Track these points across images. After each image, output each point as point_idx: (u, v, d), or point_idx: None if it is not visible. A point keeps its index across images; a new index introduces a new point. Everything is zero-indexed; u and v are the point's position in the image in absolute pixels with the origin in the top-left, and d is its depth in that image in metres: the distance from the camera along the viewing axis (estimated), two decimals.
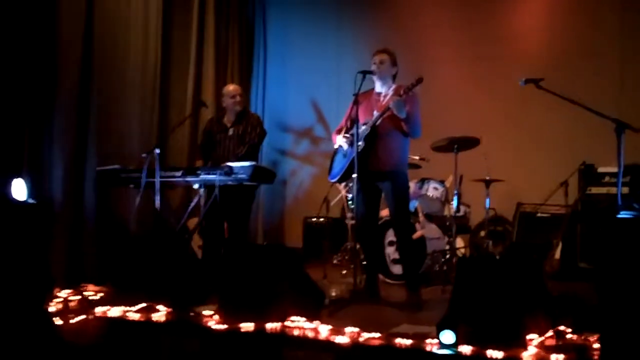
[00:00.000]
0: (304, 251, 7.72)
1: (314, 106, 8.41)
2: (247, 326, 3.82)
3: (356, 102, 4.56)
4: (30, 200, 4.72)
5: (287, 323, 3.86)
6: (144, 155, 5.06)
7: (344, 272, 6.33)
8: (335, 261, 6.81)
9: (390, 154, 4.70)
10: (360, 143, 4.57)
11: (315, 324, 3.84)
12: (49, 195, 5.25)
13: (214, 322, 3.92)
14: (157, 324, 4.03)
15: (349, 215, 6.38)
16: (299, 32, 8.57)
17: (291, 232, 8.41)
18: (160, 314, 4.18)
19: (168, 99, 6.64)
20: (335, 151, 4.97)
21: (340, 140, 4.82)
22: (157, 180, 5.02)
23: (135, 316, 4.13)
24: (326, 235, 7.26)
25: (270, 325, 3.83)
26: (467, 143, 5.82)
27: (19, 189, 4.62)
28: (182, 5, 6.90)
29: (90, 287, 5.02)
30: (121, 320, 4.10)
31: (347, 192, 6.27)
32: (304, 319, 3.90)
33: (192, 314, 4.15)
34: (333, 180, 4.97)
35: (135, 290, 4.43)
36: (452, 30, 7.76)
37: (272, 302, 3.96)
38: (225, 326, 3.84)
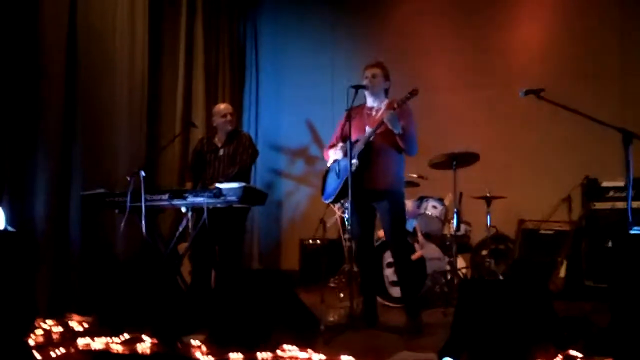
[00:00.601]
0: (301, 274, 7.51)
1: (309, 125, 8.24)
2: (236, 357, 3.59)
3: (349, 118, 4.36)
4: (10, 229, 4.54)
5: (279, 352, 3.64)
6: (128, 177, 4.84)
7: (342, 295, 6.10)
8: (332, 284, 6.58)
9: (386, 172, 4.51)
10: (354, 161, 4.37)
11: (309, 353, 3.60)
12: (31, 223, 4.99)
13: (201, 354, 3.68)
14: (142, 356, 3.80)
15: (345, 236, 6.15)
16: (293, 49, 8.44)
17: (288, 254, 8.21)
18: (146, 345, 3.94)
19: (157, 120, 6.43)
20: (327, 169, 4.78)
21: (334, 154, 4.62)
22: (143, 204, 4.80)
23: (119, 348, 3.89)
24: (323, 258, 7.03)
25: (261, 356, 3.60)
26: (466, 159, 5.64)
27: None
28: (169, 24, 6.72)
29: (75, 317, 4.79)
30: (104, 353, 3.86)
31: (343, 212, 6.05)
32: (297, 347, 3.68)
33: (179, 344, 3.91)
34: (327, 201, 4.77)
35: (121, 320, 4.24)
36: (451, 47, 7.66)
37: (264, 330, 3.74)
38: (212, 358, 3.60)
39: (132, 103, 6.04)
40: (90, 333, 4.22)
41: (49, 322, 4.54)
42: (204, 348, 3.78)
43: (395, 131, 4.31)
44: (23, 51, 4.94)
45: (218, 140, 5.45)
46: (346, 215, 5.85)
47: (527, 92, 4.08)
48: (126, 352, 3.85)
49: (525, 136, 7.08)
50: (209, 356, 3.64)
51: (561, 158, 6.85)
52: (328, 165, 4.75)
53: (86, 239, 5.39)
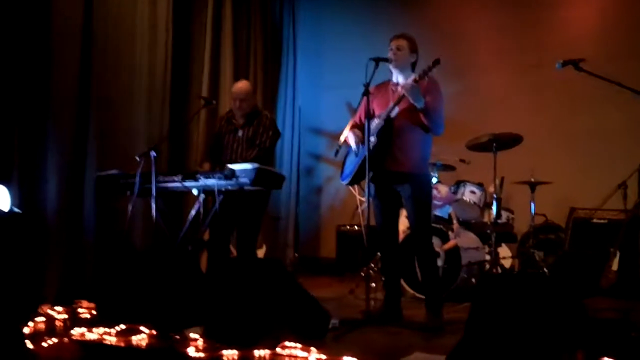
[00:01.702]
0: (337, 262, 7.20)
1: (350, 108, 7.81)
2: (231, 353, 3.27)
3: (366, 93, 3.96)
4: (15, 210, 4.35)
5: (277, 350, 3.30)
6: (137, 157, 4.59)
7: (373, 285, 5.69)
8: (364, 273, 6.19)
9: (409, 153, 4.09)
10: (372, 139, 3.97)
11: (310, 351, 3.25)
12: (42, 205, 4.81)
13: (195, 349, 3.38)
14: (135, 349, 3.53)
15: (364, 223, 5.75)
16: (332, 30, 8.03)
17: (326, 242, 7.88)
18: (141, 337, 3.67)
19: (182, 101, 6.14)
20: (348, 151, 4.40)
21: (347, 136, 4.23)
22: (153, 186, 4.55)
23: (113, 340, 3.64)
24: (360, 245, 6.66)
25: (258, 353, 3.27)
26: (507, 141, 5.18)
27: (2, 198, 4.25)
28: (195, 4, 6.43)
29: (85, 303, 4.59)
30: (98, 344, 3.62)
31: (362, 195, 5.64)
32: (299, 345, 3.33)
33: (177, 337, 3.63)
34: (344, 182, 4.38)
35: (122, 310, 3.99)
36: (496, 24, 7.12)
37: (264, 325, 3.41)
38: (204, 354, 3.29)
39: (153, 83, 5.79)
40: (91, 323, 4.01)
41: (58, 308, 4.37)
42: (200, 342, 3.49)
43: (417, 105, 3.88)
44: (34, 30, 4.74)
45: (237, 121, 5.12)
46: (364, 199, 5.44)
47: (565, 63, 3.61)
48: (120, 344, 3.59)
49: (575, 119, 6.48)
50: (203, 352, 3.33)
51: (616, 142, 6.26)
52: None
53: (101, 223, 5.19)
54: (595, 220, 5.72)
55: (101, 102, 5.25)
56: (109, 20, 5.37)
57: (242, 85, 5.09)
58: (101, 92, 5.24)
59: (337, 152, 4.27)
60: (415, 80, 3.86)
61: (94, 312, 4.35)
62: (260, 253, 6.26)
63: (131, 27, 5.62)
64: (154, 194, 4.57)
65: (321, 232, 8.10)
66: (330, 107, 7.93)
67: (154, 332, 3.72)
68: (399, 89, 4.14)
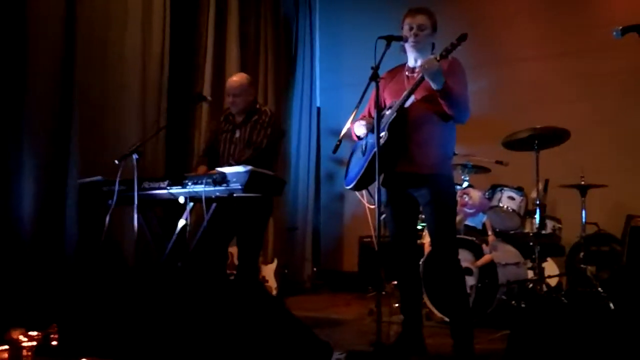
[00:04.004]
0: (360, 276, 6.48)
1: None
2: None
3: (375, 77, 3.24)
4: None
5: None
6: (117, 161, 3.96)
7: (396, 305, 4.97)
8: (387, 291, 5.46)
9: (427, 150, 3.36)
10: (382, 134, 3.25)
11: None
12: (17, 215, 4.23)
13: None
14: None
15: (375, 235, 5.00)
16: (353, 21, 7.33)
17: (350, 255, 7.14)
18: None
19: (180, 98, 5.50)
20: (353, 149, 3.69)
21: (358, 129, 3.53)
22: (135, 193, 3.92)
23: None
24: (385, 258, 5.93)
25: None
26: (551, 137, 4.44)
27: None
28: None
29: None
30: None
31: (372, 203, 4.89)
32: None
33: None
34: (348, 187, 3.65)
35: (90, 340, 3.39)
36: (531, 12, 6.32)
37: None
38: None
39: (147, 78, 5.17)
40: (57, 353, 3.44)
41: (32, 333, 3.74)
42: None
43: (436, 86, 3.15)
44: (5, 10, 4.16)
45: (236, 120, 4.45)
46: (372, 207, 4.67)
47: (625, 30, 2.84)
48: None
49: (632, 112, 5.61)
50: None
51: None
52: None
53: (84, 236, 4.57)
54: None
55: (86, 98, 4.66)
56: (95, 6, 4.79)
57: (236, 78, 4.44)
58: (86, 87, 4.66)
59: (336, 148, 3.55)
60: (436, 59, 3.12)
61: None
62: (270, 269, 5.57)
63: (122, 15, 5.02)
64: (137, 202, 3.94)
65: (344, 244, 7.40)
66: (352, 107, 7.20)
67: None
68: (416, 73, 3.41)
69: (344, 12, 7.44)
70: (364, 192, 3.70)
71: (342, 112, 7.35)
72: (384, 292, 5.36)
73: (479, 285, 4.35)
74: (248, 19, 6.29)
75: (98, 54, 4.82)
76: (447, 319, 4.32)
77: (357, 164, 3.53)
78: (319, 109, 7.42)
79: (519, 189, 4.73)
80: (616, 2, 5.91)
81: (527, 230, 4.78)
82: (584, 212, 4.60)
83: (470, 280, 4.31)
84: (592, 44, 5.76)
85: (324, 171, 7.47)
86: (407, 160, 3.35)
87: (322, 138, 7.41)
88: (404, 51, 3.53)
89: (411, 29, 3.46)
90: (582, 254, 5.05)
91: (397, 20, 3.71)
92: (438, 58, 3.13)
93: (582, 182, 4.58)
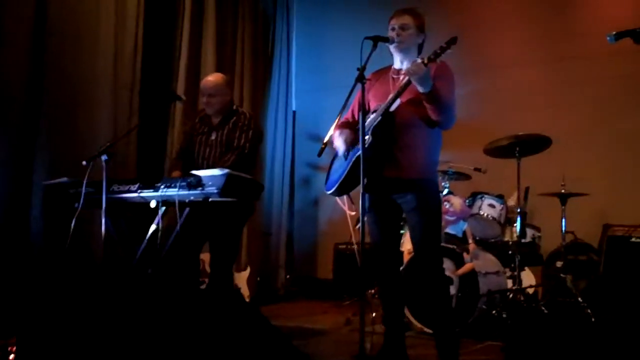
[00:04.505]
0: (335, 284, 6.37)
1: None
2: None
3: (361, 79, 3.11)
4: None
5: None
6: (84, 162, 3.77)
7: (373, 315, 4.85)
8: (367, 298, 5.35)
9: (413, 155, 3.25)
10: (367, 137, 3.13)
11: None
12: None
13: None
14: None
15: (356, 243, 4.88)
16: (332, 22, 7.22)
17: (324, 261, 6.98)
18: None
19: (154, 97, 5.31)
20: (335, 154, 3.56)
21: (338, 137, 3.40)
22: (104, 196, 3.73)
23: None
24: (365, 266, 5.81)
25: None
26: (533, 144, 4.37)
27: None
28: None
29: None
30: None
31: (353, 210, 4.76)
32: None
33: None
34: (329, 192, 3.51)
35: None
36: (519, 9, 6.26)
37: None
38: None
39: (120, 75, 4.99)
40: None
41: None
42: None
43: (422, 89, 3.04)
44: None
45: (212, 122, 4.30)
46: (353, 213, 4.55)
47: (619, 35, 2.75)
48: None
49: (613, 120, 5.57)
50: None
51: None
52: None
53: (51, 241, 4.36)
54: (634, 239, 4.87)
55: (55, 95, 4.48)
56: (67, 6, 4.61)
57: (212, 78, 4.29)
58: (55, 83, 4.49)
59: (321, 151, 3.42)
60: (424, 63, 3.01)
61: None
62: (243, 276, 5.41)
63: (95, 9, 4.84)
64: (105, 206, 3.75)
65: (318, 250, 7.26)
66: (330, 110, 7.02)
67: None
68: (402, 76, 3.31)
69: (322, 13, 7.31)
70: (344, 197, 3.57)
71: (319, 116, 7.26)
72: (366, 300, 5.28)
73: (460, 294, 4.25)
74: (226, 16, 6.11)
75: (69, 49, 4.63)
76: (427, 330, 4.23)
77: (339, 168, 3.40)
78: (294, 112, 7.27)
79: (500, 197, 4.66)
80: (600, 10, 5.87)
81: (506, 238, 4.70)
82: (564, 220, 4.54)
83: (451, 290, 4.21)
84: (575, 51, 5.74)
85: (299, 176, 7.32)
86: (392, 165, 3.23)
87: (297, 142, 7.27)
88: (391, 54, 3.43)
89: (393, 29, 3.36)
90: (560, 263, 5.01)
91: (378, 22, 3.61)
92: (426, 61, 3.02)
93: (563, 191, 4.51)
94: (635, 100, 5.47)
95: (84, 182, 3.77)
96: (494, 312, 4.19)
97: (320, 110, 7.27)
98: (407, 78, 3.12)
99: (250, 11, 6.52)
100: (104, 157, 3.74)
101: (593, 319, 4.04)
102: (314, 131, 7.26)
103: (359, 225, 4.72)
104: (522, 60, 6.08)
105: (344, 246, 6.32)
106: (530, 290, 4.86)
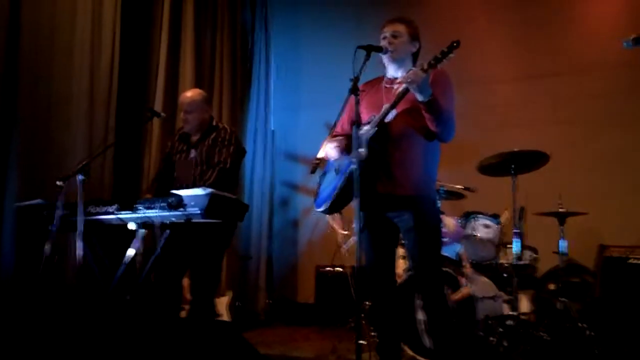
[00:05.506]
0: (316, 310, 6.12)
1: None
2: None
3: (355, 90, 2.90)
4: None
5: None
6: (59, 182, 3.50)
7: (362, 342, 4.59)
8: (351, 325, 5.11)
9: (410, 169, 3.05)
10: (361, 150, 2.91)
11: None
12: None
13: None
14: None
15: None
16: (310, 41, 7.05)
17: (305, 285, 6.75)
18: None
19: (131, 114, 5.07)
20: (325, 171, 3.35)
21: (330, 150, 3.19)
22: (80, 217, 3.47)
23: None
24: (343, 289, 5.59)
25: None
26: (529, 161, 4.20)
27: None
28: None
29: None
30: None
31: (345, 228, 4.54)
32: None
33: None
34: (320, 210, 3.26)
35: None
36: (503, 21, 6.13)
37: None
38: None
39: (95, 91, 4.74)
40: None
41: None
42: None
43: (421, 97, 2.84)
44: None
45: (192, 139, 4.07)
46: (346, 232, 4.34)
47: (637, 41, 2.55)
48: None
49: (609, 137, 5.41)
50: None
51: None
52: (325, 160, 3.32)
53: (23, 267, 4.06)
54: (632, 261, 4.70)
55: (28, 111, 4.24)
56: (42, 12, 4.36)
57: (189, 94, 4.10)
58: (28, 98, 4.25)
59: (314, 169, 3.19)
60: (423, 69, 2.81)
61: None
62: (223, 302, 5.13)
63: (70, 23, 4.61)
64: (81, 229, 3.48)
65: (298, 273, 6.99)
66: (308, 129, 6.83)
67: None
68: (396, 85, 3.11)
69: (301, 29, 7.14)
70: (336, 215, 3.35)
71: (298, 134, 7.05)
72: (352, 326, 5.04)
73: (455, 321, 4.01)
74: (204, 30, 5.89)
75: (43, 63, 4.39)
76: (419, 358, 3.98)
77: (330, 185, 3.17)
78: (273, 131, 7.05)
79: (494, 216, 4.44)
80: (591, 23, 5.79)
81: (502, 260, 4.49)
82: (561, 241, 4.35)
83: None
84: (570, 66, 5.63)
85: (278, 196, 7.09)
86: (387, 180, 3.03)
87: (275, 162, 7.05)
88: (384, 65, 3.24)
89: (385, 38, 3.18)
90: (553, 285, 4.83)
91: (360, 38, 3.39)
92: (425, 67, 2.83)
93: (560, 209, 4.33)
94: (629, 117, 5.35)
95: (58, 203, 3.51)
96: (492, 339, 3.96)
97: (297, 129, 7.08)
98: (403, 86, 2.93)
99: (229, 24, 6.31)
100: (79, 177, 3.52)
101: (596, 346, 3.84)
102: (292, 150, 7.07)
103: (346, 245, 4.54)
104: (508, 76, 5.95)
105: (327, 268, 6.07)
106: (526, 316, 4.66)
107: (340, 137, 3.24)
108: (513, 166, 4.14)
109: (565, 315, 4.34)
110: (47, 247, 3.55)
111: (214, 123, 4.08)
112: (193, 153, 3.99)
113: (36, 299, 3.87)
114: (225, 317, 5.07)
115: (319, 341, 5.14)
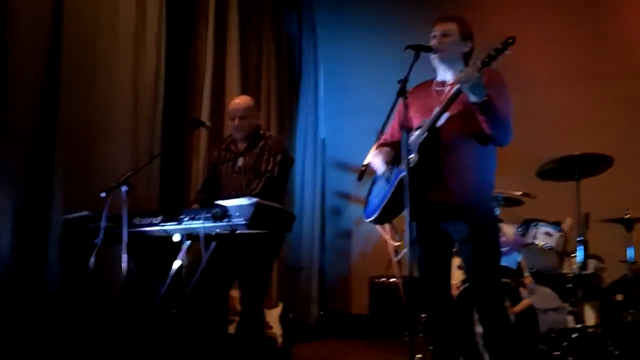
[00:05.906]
0: (371, 322, 5.95)
1: None
2: None
3: (403, 93, 2.75)
4: None
5: None
6: (103, 194, 3.46)
7: (419, 356, 4.40)
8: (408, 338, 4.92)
9: (464, 176, 2.86)
10: (412, 156, 2.76)
11: None
12: None
13: None
14: None
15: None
16: (358, 44, 6.88)
17: (359, 296, 6.57)
18: None
19: (176, 126, 5.02)
20: (374, 179, 3.20)
21: (376, 158, 3.05)
22: (125, 230, 3.42)
23: None
24: (398, 301, 5.42)
25: None
26: (592, 165, 3.97)
27: None
28: (193, 9, 5.35)
29: None
30: None
31: (397, 239, 4.37)
32: None
33: None
34: (369, 220, 3.12)
35: None
36: (556, 24, 5.85)
37: None
38: None
39: (140, 101, 4.68)
40: None
41: None
42: None
43: (475, 98, 2.67)
44: None
45: (238, 147, 3.98)
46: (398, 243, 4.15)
47: None
48: None
49: None
50: None
51: None
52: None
53: (69, 281, 4.01)
54: None
55: (71, 123, 4.14)
56: (83, 24, 4.31)
57: (240, 100, 4.05)
58: (71, 111, 4.14)
59: (361, 175, 3.06)
60: (478, 69, 2.64)
61: None
62: (275, 314, 5.02)
63: (112, 34, 4.54)
64: (126, 240, 3.44)
65: (351, 285, 6.84)
66: (359, 137, 6.60)
67: None
68: (447, 89, 2.95)
69: (349, 36, 6.99)
70: (387, 226, 3.19)
71: (347, 143, 6.91)
72: (407, 340, 4.85)
73: (516, 334, 3.80)
74: (249, 40, 5.82)
75: (84, 83, 4.31)
76: None
77: (380, 194, 3.03)
78: (323, 140, 6.94)
79: (556, 224, 4.21)
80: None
81: (565, 270, 4.25)
82: (630, 249, 4.09)
83: None
84: (628, 67, 5.34)
85: (329, 206, 6.98)
86: (440, 188, 2.85)
87: (326, 171, 6.94)
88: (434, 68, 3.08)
89: (435, 37, 3.01)
90: (620, 296, 4.54)
91: (410, 42, 3.22)
92: (480, 66, 2.65)
93: (628, 215, 4.07)
94: None
95: (104, 215, 3.47)
96: (555, 353, 3.73)
97: (347, 136, 6.94)
98: (455, 88, 2.76)
99: (274, 32, 6.24)
100: (124, 188, 3.49)
101: None
102: (342, 159, 6.93)
103: (398, 257, 4.37)
104: (563, 78, 5.68)
105: (381, 280, 5.91)
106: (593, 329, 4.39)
107: (387, 148, 3.07)
108: (576, 169, 3.91)
109: (635, 328, 4.07)
110: (92, 260, 3.52)
111: (261, 131, 4.00)
112: (240, 161, 3.91)
113: (81, 313, 3.85)
114: (276, 329, 4.95)
115: (373, 355, 5.02)
